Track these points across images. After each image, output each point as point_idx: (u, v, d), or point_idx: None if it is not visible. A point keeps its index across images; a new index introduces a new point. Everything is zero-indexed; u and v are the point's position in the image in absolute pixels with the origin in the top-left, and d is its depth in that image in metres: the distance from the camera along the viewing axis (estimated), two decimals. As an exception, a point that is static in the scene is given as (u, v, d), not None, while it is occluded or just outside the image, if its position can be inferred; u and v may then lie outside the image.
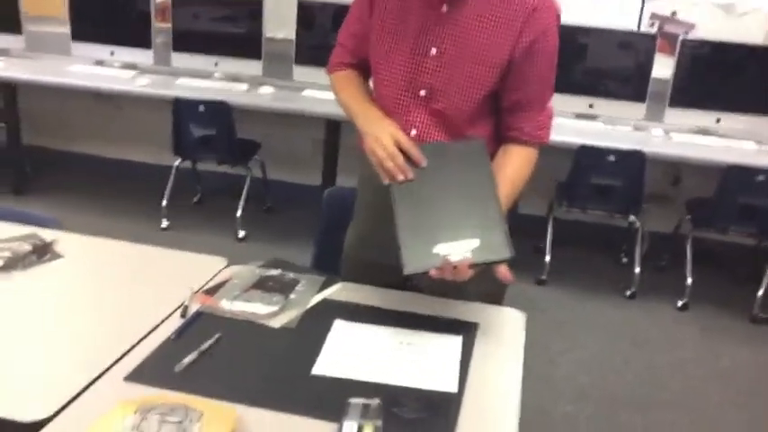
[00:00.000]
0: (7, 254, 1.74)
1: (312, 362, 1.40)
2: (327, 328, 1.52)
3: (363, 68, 1.80)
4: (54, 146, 4.81)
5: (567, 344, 3.16)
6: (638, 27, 3.92)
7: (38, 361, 1.35)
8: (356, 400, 1.17)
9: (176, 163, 4.02)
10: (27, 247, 1.78)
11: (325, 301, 1.65)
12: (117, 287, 1.66)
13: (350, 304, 1.64)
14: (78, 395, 1.25)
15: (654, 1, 3.91)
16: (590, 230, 4.09)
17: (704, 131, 3.74)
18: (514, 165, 1.66)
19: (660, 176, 4.01)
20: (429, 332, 1.53)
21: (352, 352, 1.44)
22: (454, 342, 1.50)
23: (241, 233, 3.92)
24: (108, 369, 1.32)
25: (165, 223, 3.95)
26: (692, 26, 3.87)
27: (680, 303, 3.53)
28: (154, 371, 1.33)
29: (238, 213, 3.95)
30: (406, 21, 1.65)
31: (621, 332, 3.30)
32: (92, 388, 1.27)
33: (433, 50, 1.62)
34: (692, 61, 3.71)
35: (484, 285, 1.59)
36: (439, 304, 1.65)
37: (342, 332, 1.52)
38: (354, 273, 1.80)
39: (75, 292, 1.63)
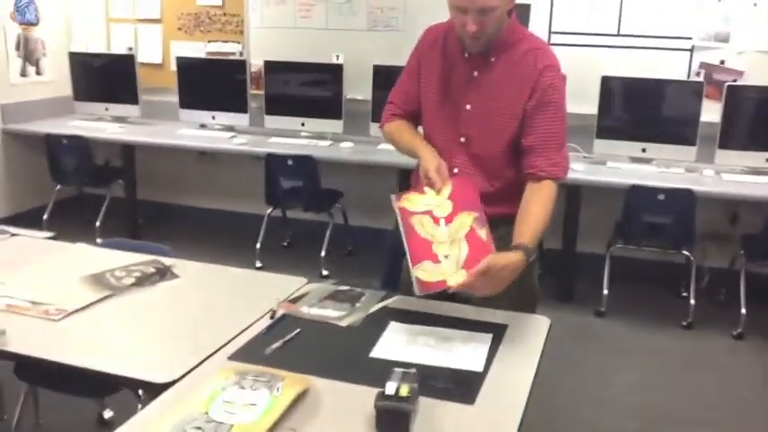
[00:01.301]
0: (138, 274, 2.22)
1: (370, 349, 1.79)
2: (384, 327, 1.91)
3: (411, 119, 2.22)
4: (163, 199, 5.46)
5: (620, 367, 3.41)
6: (688, 76, 4.20)
7: (166, 344, 1.81)
8: (398, 369, 1.54)
9: (268, 211, 4.56)
10: (152, 269, 2.27)
11: (384, 309, 2.04)
12: (222, 297, 2.12)
13: (403, 311, 2.02)
14: (194, 368, 1.67)
15: (703, 51, 4.19)
16: (650, 267, 4.31)
17: (755, 171, 3.94)
18: (539, 201, 1.97)
19: (718, 216, 4.22)
20: (467, 330, 1.89)
21: (403, 342, 1.82)
22: (485, 337, 1.86)
23: (325, 272, 4.37)
24: (215, 351, 1.75)
25: (258, 264, 4.46)
26: (740, 73, 4.12)
27: (735, 333, 3.70)
28: (249, 353, 1.75)
29: (322, 254, 4.41)
30: (447, 82, 2.09)
31: (675, 358, 3.51)
32: (204, 363, 1.70)
33: (468, 106, 2.06)
34: (738, 105, 3.95)
35: (518, 298, 1.96)
36: (478, 311, 2.00)
37: (396, 330, 1.90)
38: (411, 288, 2.18)
39: (191, 301, 2.09)
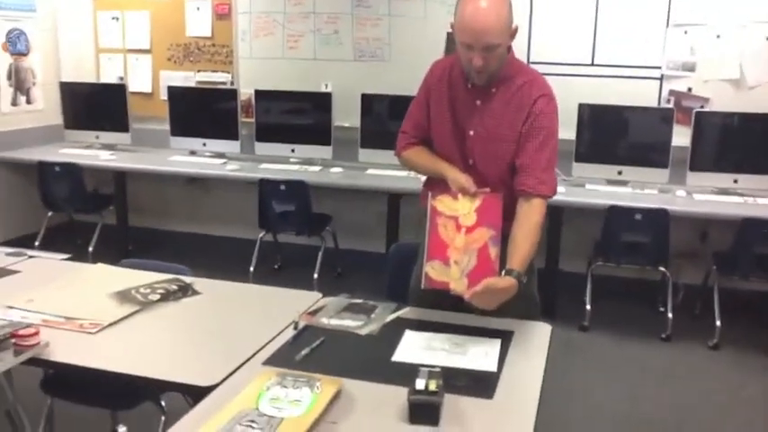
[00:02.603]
0: (162, 291, 2.35)
1: (392, 354, 1.94)
2: (401, 335, 2.07)
3: (424, 145, 2.41)
4: (155, 225, 5.57)
5: (605, 378, 3.60)
6: (659, 103, 4.47)
7: (201, 353, 1.95)
8: (424, 368, 1.70)
9: (260, 235, 4.69)
10: (174, 286, 2.40)
11: (398, 319, 2.20)
12: (246, 311, 2.27)
13: (416, 320, 2.19)
14: (231, 373, 1.81)
15: (671, 80, 4.47)
16: (629, 284, 4.54)
17: (724, 191, 4.20)
18: (527, 225, 2.15)
19: (689, 234, 4.46)
20: (477, 336, 2.06)
21: (420, 348, 1.98)
22: (495, 342, 2.03)
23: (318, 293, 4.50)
24: (250, 358, 1.89)
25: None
26: (706, 100, 4.40)
27: (710, 344, 3.92)
28: (281, 359, 1.89)
29: (315, 276, 4.55)
30: (453, 111, 2.30)
31: (656, 368, 3.72)
32: (241, 368, 1.84)
33: (471, 132, 2.26)
34: (707, 130, 4.22)
35: (521, 307, 2.13)
36: (485, 320, 2.17)
37: (412, 337, 2.06)
38: (419, 299, 2.35)
39: (216, 314, 2.23)
